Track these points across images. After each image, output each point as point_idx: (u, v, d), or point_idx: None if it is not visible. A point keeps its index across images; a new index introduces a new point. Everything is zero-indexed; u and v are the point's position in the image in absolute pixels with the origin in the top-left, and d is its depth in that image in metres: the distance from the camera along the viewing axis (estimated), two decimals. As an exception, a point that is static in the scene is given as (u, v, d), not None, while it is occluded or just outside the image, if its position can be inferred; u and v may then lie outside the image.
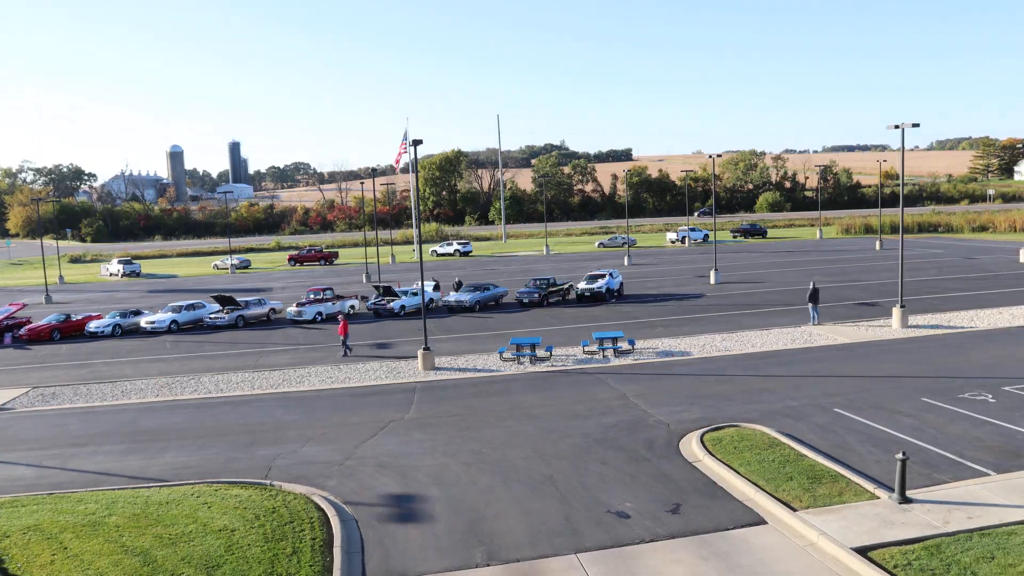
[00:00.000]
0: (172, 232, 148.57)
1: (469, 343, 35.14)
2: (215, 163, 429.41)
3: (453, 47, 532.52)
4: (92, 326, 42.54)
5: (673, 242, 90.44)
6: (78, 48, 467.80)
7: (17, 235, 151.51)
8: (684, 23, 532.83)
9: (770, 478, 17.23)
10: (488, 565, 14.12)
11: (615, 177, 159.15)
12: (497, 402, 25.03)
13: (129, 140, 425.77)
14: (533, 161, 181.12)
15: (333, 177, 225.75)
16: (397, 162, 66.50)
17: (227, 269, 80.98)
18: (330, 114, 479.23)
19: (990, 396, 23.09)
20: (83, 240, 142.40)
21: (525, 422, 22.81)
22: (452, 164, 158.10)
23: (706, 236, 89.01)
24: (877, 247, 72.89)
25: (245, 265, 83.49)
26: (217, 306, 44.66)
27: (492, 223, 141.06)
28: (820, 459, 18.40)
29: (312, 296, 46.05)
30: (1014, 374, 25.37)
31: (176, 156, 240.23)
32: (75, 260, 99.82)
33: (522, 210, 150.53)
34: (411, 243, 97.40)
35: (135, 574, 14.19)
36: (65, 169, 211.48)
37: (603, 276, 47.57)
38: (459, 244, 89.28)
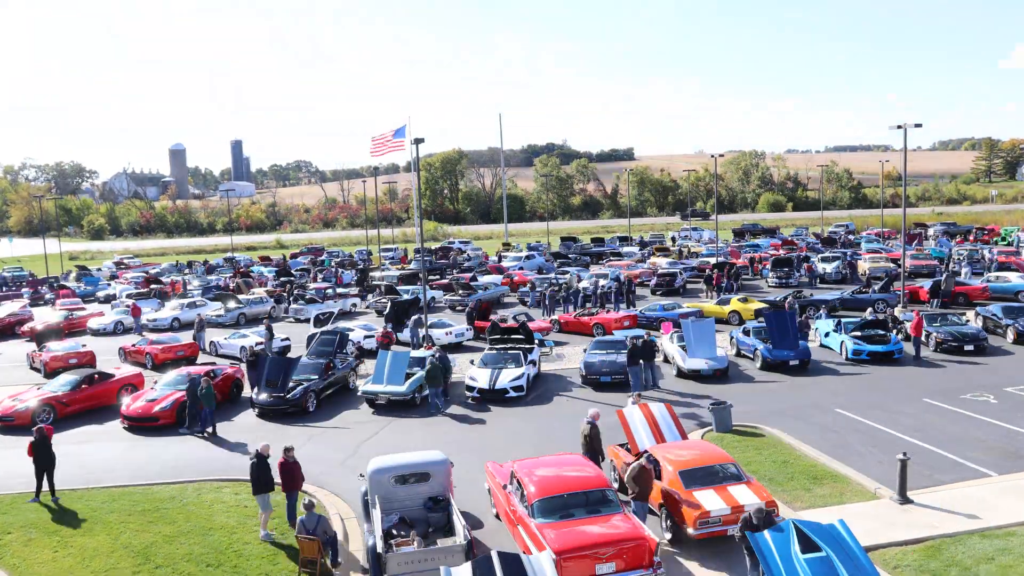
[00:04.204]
0: (174, 230, 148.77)
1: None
2: (217, 161, 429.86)
3: (455, 46, 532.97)
4: (94, 324, 42.60)
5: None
6: (79, 46, 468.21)
7: (19, 232, 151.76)
8: (686, 22, 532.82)
9: (771, 477, 17.25)
10: (489, 564, 14.10)
11: (617, 177, 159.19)
12: (498, 400, 25.00)
13: (131, 138, 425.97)
14: (535, 161, 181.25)
15: (335, 175, 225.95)
16: (376, 152, 66.67)
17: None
18: (332, 113, 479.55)
19: (992, 397, 23.10)
20: (84, 238, 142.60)
21: (526, 420, 22.84)
22: (453, 163, 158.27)
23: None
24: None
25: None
26: (218, 304, 44.68)
27: (493, 222, 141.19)
28: (821, 459, 18.42)
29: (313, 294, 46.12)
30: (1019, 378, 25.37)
31: (178, 154, 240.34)
32: (74, 258, 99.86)
33: (524, 209, 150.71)
34: (412, 242, 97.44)
35: (136, 571, 14.23)
36: (67, 167, 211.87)
37: (605, 276, 47.68)
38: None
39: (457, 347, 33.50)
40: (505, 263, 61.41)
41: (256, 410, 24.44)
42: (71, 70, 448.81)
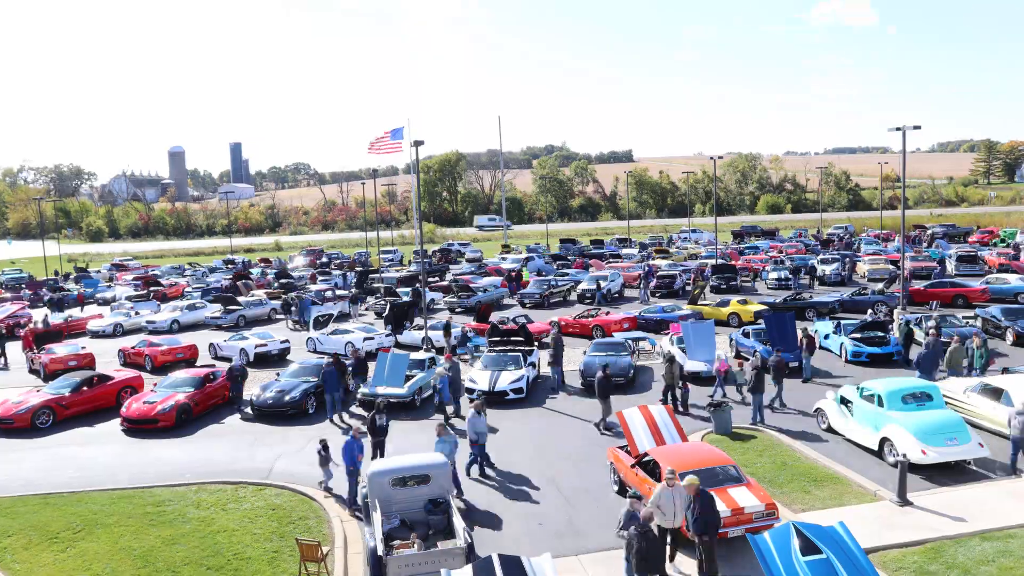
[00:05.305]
0: (173, 232, 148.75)
1: (470, 344, 35.06)
2: (217, 163, 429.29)
3: (454, 48, 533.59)
4: (93, 325, 42.61)
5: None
6: (79, 46, 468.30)
7: (17, 234, 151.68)
8: (685, 24, 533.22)
9: (771, 479, 17.26)
10: (489, 566, 14.09)
11: (616, 179, 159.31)
12: (499, 402, 24.99)
13: (130, 140, 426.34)
14: (534, 163, 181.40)
15: (334, 177, 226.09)
16: (374, 152, 67.59)
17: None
18: (331, 115, 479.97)
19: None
20: (83, 240, 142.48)
21: (526, 421, 22.84)
22: (451, 165, 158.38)
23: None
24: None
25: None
26: (218, 306, 44.67)
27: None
28: (821, 461, 18.44)
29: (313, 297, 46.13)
30: None
31: (177, 156, 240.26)
32: (72, 260, 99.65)
33: (523, 212, 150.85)
34: (411, 244, 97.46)
35: (136, 574, 14.22)
36: (65, 169, 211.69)
37: (604, 278, 47.71)
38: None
39: (455, 349, 33.48)
40: (504, 265, 61.41)
41: (255, 412, 24.43)
42: (71, 70, 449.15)
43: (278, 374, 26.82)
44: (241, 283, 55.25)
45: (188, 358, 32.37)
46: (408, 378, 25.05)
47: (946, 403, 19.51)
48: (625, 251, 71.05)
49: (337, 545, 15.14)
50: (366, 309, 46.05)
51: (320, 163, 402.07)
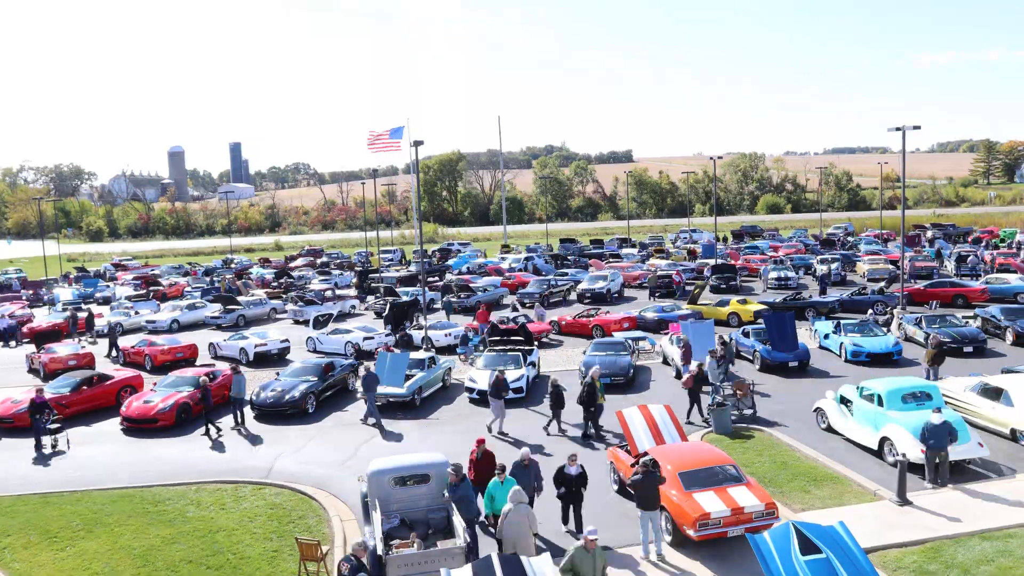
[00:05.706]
0: (173, 232, 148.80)
1: (470, 344, 35.04)
2: (216, 163, 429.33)
3: (454, 48, 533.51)
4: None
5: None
6: (78, 47, 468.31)
7: (17, 234, 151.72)
8: (684, 24, 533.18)
9: (771, 479, 17.25)
10: (489, 565, 14.07)
11: (616, 179, 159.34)
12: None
13: (130, 140, 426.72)
14: (534, 163, 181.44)
15: (334, 177, 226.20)
16: (372, 147, 67.89)
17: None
18: (331, 115, 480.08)
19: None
20: (83, 240, 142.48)
21: (526, 421, 22.81)
22: (452, 164, 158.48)
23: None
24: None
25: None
26: (218, 306, 44.66)
27: (492, 224, 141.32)
28: (820, 460, 18.43)
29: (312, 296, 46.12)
30: None
31: (176, 156, 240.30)
32: (71, 260, 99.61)
33: (523, 212, 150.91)
34: (411, 244, 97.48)
35: (136, 573, 14.22)
36: (65, 169, 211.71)
37: (604, 278, 47.73)
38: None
39: (455, 349, 33.50)
40: (504, 265, 61.43)
41: (255, 412, 24.43)
42: (71, 70, 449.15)
43: (278, 374, 26.82)
44: (240, 283, 55.28)
45: (188, 358, 32.36)
46: (408, 377, 25.05)
47: (946, 403, 19.52)
48: (625, 251, 71.05)
49: (336, 544, 15.14)
50: (366, 308, 46.06)
51: (320, 163, 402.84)
